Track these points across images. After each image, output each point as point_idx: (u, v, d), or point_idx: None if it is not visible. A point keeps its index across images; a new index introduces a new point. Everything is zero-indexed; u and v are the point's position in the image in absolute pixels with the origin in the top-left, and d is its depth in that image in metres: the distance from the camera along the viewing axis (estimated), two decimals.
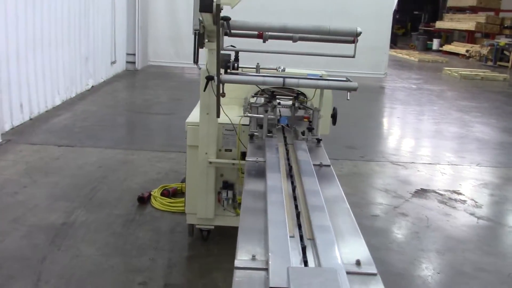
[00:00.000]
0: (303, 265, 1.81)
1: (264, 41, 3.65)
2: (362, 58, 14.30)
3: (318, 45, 3.67)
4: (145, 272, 3.53)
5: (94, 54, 10.68)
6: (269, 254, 1.78)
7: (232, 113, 3.76)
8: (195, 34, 3.50)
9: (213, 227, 3.99)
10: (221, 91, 3.68)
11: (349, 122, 8.81)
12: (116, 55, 12.39)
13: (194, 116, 3.89)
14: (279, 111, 3.77)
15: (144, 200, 4.70)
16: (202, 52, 3.56)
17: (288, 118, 3.62)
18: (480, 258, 4.10)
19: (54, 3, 8.43)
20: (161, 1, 14.36)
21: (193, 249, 3.97)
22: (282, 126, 3.69)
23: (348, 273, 1.71)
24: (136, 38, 13.42)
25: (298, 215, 2.20)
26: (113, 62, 12.16)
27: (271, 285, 1.57)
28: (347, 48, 3.60)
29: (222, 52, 3.60)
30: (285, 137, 3.43)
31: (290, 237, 1.98)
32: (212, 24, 3.11)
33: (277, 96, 3.79)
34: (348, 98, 3.53)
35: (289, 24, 3.40)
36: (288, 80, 3.31)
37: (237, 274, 1.72)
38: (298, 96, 3.80)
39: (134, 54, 13.48)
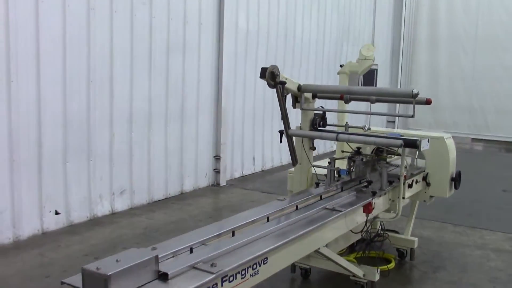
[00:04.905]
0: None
1: (346, 102, 4.09)
2: None
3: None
4: None
5: None
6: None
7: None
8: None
9: (308, 267, 4.45)
10: (311, 146, 4.29)
11: None
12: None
13: None
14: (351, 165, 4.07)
15: None
16: None
17: (347, 171, 3.93)
18: None
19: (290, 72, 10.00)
20: (423, 73, 14.75)
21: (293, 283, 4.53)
22: (359, 179, 4.02)
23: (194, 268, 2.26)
24: None
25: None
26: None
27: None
28: None
29: (315, 111, 4.25)
30: (342, 187, 3.77)
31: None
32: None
33: (361, 152, 4.14)
34: (416, 158, 3.69)
35: (352, 87, 3.84)
36: (340, 136, 3.75)
37: None
38: (381, 153, 4.06)
39: (393, 121, 14.26)
